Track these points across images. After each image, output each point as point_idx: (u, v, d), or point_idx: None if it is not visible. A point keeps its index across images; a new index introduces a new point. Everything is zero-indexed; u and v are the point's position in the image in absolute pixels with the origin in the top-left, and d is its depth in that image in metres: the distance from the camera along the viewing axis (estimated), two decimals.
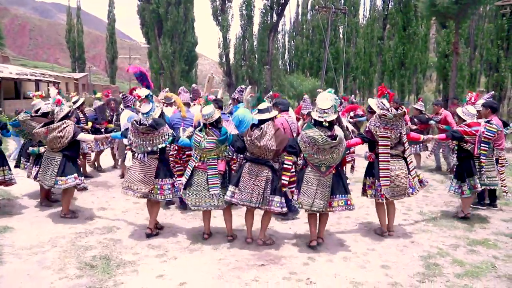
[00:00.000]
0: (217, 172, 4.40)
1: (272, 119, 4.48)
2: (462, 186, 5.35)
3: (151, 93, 4.89)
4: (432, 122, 8.59)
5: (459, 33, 18.43)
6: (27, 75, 23.84)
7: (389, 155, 4.60)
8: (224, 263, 4.05)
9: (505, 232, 5.04)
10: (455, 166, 5.71)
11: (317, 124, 4.25)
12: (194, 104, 6.74)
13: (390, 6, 37.32)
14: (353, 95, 9.19)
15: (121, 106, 7.39)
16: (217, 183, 4.37)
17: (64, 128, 5.12)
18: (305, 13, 43.24)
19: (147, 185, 4.53)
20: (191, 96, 7.15)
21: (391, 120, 4.55)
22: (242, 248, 4.48)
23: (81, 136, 5.36)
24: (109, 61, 48.23)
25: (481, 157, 5.21)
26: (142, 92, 4.75)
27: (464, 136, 5.24)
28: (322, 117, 4.19)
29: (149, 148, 4.54)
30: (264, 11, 28.15)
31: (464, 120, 5.42)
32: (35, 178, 5.64)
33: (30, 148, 5.65)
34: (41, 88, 25.82)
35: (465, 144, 5.31)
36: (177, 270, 3.90)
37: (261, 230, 4.54)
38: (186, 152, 5.40)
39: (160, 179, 4.63)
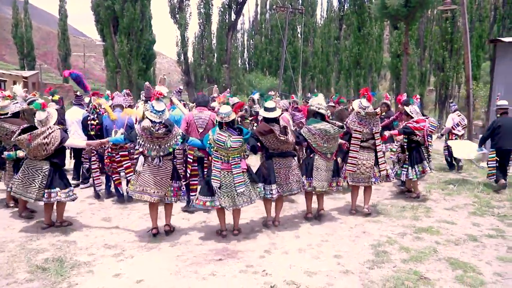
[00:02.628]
0: (241, 171, 4.53)
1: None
2: (411, 171, 6.29)
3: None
4: None
5: (409, 34, 19.36)
6: None
7: (359, 146, 5.41)
8: (181, 259, 4.08)
9: (447, 220, 5.43)
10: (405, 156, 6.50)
11: (322, 118, 5.10)
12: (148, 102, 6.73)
13: (345, 7, 38.54)
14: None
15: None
16: (243, 181, 4.52)
17: (50, 134, 4.63)
18: (264, 13, 43.64)
19: (163, 188, 4.52)
20: (144, 93, 7.19)
21: (364, 117, 5.38)
22: (200, 244, 4.52)
23: (70, 142, 4.94)
24: (61, 59, 46.16)
25: (429, 147, 6.48)
26: (163, 89, 4.73)
27: (415, 130, 6.20)
28: (326, 111, 5.13)
29: (165, 152, 4.50)
30: (222, 9, 28.18)
31: (412, 117, 6.38)
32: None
33: (5, 153, 5.16)
34: None
35: (414, 137, 6.25)
36: (134, 268, 3.88)
37: (278, 214, 5.15)
38: (120, 153, 5.69)
39: (174, 181, 4.63)
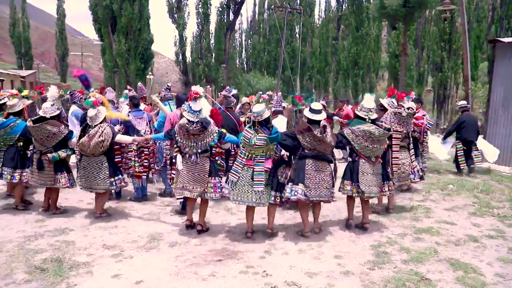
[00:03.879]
0: (263, 170, 4.51)
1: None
2: None
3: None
4: (335, 117, 9.80)
5: (408, 35, 19.43)
6: None
7: (399, 146, 5.48)
8: (181, 260, 4.05)
9: (447, 220, 5.43)
10: None
11: (362, 120, 4.88)
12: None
13: (344, 7, 38.57)
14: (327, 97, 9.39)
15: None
16: (262, 181, 4.48)
17: (103, 131, 4.99)
18: (262, 13, 43.61)
19: (202, 184, 4.63)
20: (137, 93, 7.23)
21: (404, 118, 5.51)
22: (199, 244, 4.50)
23: (119, 137, 5.29)
24: (59, 58, 45.93)
25: (424, 143, 6.82)
26: (199, 89, 4.78)
27: (414, 127, 6.21)
28: (367, 115, 4.86)
29: (202, 148, 4.60)
30: (220, 9, 28.11)
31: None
32: (70, 185, 5.36)
33: (50, 155, 5.11)
34: None
35: (413, 133, 6.23)
36: (133, 269, 3.85)
37: (316, 219, 4.94)
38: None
39: (212, 177, 4.70)
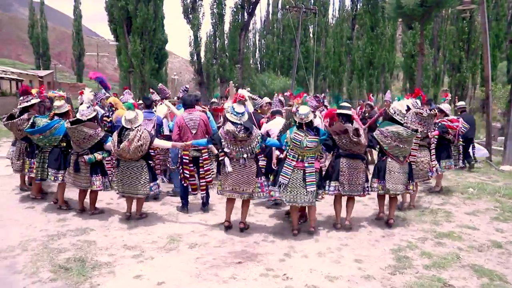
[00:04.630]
0: (314, 170, 4.66)
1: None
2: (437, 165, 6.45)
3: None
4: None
5: (424, 34, 19.14)
6: None
7: (418, 145, 5.60)
8: (201, 262, 4.07)
9: (468, 225, 5.33)
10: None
11: (395, 122, 5.12)
12: (161, 104, 6.88)
13: (358, 7, 38.23)
14: (323, 94, 9.32)
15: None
16: (314, 181, 4.64)
17: (141, 135, 4.93)
18: (276, 12, 43.49)
19: (251, 185, 4.73)
20: (159, 95, 7.32)
21: (425, 118, 5.74)
22: (219, 246, 4.52)
23: (157, 142, 5.22)
24: (75, 58, 46.80)
25: (459, 146, 6.88)
26: (245, 92, 4.92)
27: (448, 129, 6.51)
28: (402, 120, 5.12)
29: (249, 153, 4.71)
30: (235, 10, 28.15)
31: (447, 115, 6.77)
32: (104, 188, 5.36)
33: (86, 157, 5.13)
34: (2, 86, 24.68)
35: (447, 135, 6.51)
36: (154, 270, 3.89)
37: (349, 214, 5.17)
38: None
39: (259, 178, 4.83)
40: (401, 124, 5.07)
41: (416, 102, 6.03)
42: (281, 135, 4.98)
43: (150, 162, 5.31)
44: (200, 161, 5.55)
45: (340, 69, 39.99)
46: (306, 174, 4.61)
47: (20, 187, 6.60)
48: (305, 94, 5.28)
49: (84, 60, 47.81)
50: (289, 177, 4.61)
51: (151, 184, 5.15)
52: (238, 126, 4.60)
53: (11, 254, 4.17)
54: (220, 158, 4.81)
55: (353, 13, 40.61)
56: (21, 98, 5.91)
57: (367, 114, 9.08)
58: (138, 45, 25.54)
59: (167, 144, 5.43)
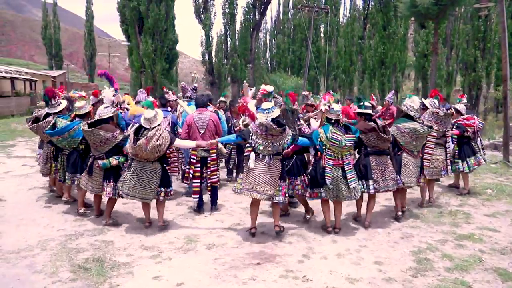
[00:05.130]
0: (352, 167, 4.77)
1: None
2: (462, 164, 6.62)
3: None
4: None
5: (438, 33, 18.85)
6: (1, 72, 23.08)
7: (434, 143, 5.84)
8: (220, 263, 4.05)
9: (489, 227, 5.22)
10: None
11: (411, 118, 5.37)
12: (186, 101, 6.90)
13: (370, 5, 37.89)
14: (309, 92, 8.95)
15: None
16: (354, 177, 4.76)
17: (161, 135, 4.62)
18: (286, 12, 43.38)
19: (272, 187, 4.55)
20: (180, 93, 7.36)
21: (442, 117, 5.87)
22: (236, 247, 4.49)
23: (178, 142, 4.99)
24: (87, 58, 47.23)
25: (481, 141, 6.91)
26: (269, 87, 4.89)
27: (467, 127, 6.58)
28: (416, 115, 5.40)
29: (276, 150, 4.59)
30: (246, 9, 28.07)
31: (462, 114, 6.78)
32: (113, 195, 4.96)
33: (101, 162, 4.88)
34: (16, 86, 25.05)
35: (465, 133, 6.59)
36: (173, 270, 3.88)
37: (369, 213, 5.27)
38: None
39: (282, 181, 4.67)
40: (415, 120, 5.30)
41: (434, 102, 6.18)
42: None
43: (165, 166, 5.01)
44: (208, 161, 5.54)
45: (351, 68, 39.69)
46: (346, 172, 4.70)
47: (50, 189, 6.57)
48: (332, 92, 5.44)
49: (95, 61, 48.25)
50: (330, 176, 4.66)
51: (158, 190, 4.79)
52: (271, 123, 4.47)
53: (30, 254, 4.21)
54: (245, 154, 4.69)
55: (364, 12, 40.24)
56: (52, 102, 5.71)
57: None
58: (149, 45, 25.64)
59: (190, 143, 5.15)
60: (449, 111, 6.16)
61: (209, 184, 5.67)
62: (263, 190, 4.53)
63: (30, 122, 5.89)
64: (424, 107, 6.14)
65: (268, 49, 46.80)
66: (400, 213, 5.53)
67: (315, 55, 33.30)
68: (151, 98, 5.21)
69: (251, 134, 4.59)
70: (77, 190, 5.54)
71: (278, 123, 4.53)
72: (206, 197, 5.93)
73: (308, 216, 5.36)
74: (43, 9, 46.32)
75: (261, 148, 4.51)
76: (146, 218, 5.04)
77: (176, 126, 6.51)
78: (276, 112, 4.59)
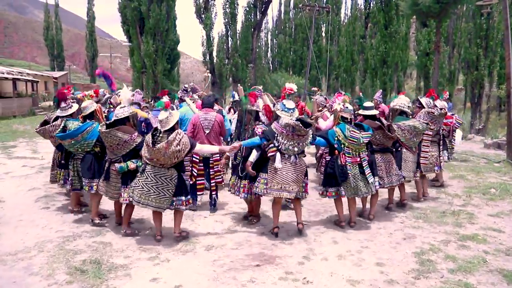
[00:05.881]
0: (367, 163, 4.90)
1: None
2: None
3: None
4: None
5: (440, 32, 18.74)
6: (3, 73, 23.09)
7: (430, 141, 6.17)
8: (218, 264, 3.99)
9: (493, 227, 5.13)
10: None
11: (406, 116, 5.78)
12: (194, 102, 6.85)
13: (371, 4, 37.77)
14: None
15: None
16: (371, 172, 4.91)
17: (180, 140, 4.28)
18: (288, 12, 43.31)
19: (298, 185, 4.62)
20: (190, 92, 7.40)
21: (436, 117, 6.04)
22: (236, 248, 4.43)
23: (200, 147, 4.62)
24: (89, 59, 47.24)
25: (452, 141, 7.32)
26: (293, 86, 4.88)
27: (443, 126, 6.74)
28: (408, 111, 5.84)
29: (301, 149, 4.64)
30: (247, 9, 28.04)
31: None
32: (130, 201, 4.53)
33: (117, 165, 4.54)
34: (18, 87, 25.07)
35: (442, 131, 6.74)
36: (171, 272, 3.82)
37: (373, 207, 5.42)
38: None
39: (306, 177, 4.79)
40: (411, 116, 5.74)
41: (429, 101, 6.42)
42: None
43: (182, 173, 4.58)
44: (211, 161, 5.51)
45: (352, 68, 39.57)
46: (365, 167, 4.85)
47: (72, 209, 5.63)
48: (345, 92, 5.60)
49: (97, 61, 48.27)
50: (351, 173, 4.78)
51: (174, 199, 4.43)
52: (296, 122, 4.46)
53: (27, 255, 4.15)
54: (270, 154, 4.57)
55: (366, 11, 40.15)
56: (63, 104, 5.34)
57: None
58: (150, 45, 25.62)
59: (213, 148, 4.85)
60: (442, 111, 6.34)
61: (213, 184, 5.60)
62: (292, 189, 4.57)
63: (39, 125, 5.60)
64: (420, 106, 6.39)
65: (269, 49, 46.80)
66: (392, 205, 5.85)
67: (316, 55, 33.25)
68: (165, 99, 4.84)
69: (276, 135, 4.49)
70: (91, 198, 5.12)
71: (303, 122, 4.56)
72: (206, 198, 5.87)
73: (254, 220, 5.21)
74: (45, 11, 46.41)
75: (289, 148, 4.50)
76: (157, 230, 4.60)
77: (180, 126, 6.48)
78: (297, 112, 4.64)
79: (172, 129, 4.37)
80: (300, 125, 4.46)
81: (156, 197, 4.33)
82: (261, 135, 4.62)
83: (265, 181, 4.58)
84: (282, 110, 4.58)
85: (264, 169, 4.64)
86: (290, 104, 4.63)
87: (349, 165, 4.80)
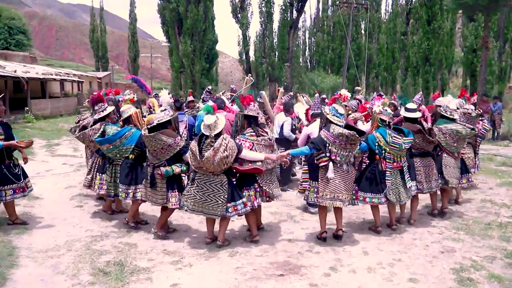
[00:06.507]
0: (407, 168, 4.82)
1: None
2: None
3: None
4: None
5: (488, 26, 17.58)
6: (52, 74, 24.32)
7: (466, 142, 5.85)
8: (241, 272, 3.87)
9: None
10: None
11: (450, 120, 5.37)
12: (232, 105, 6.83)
13: (413, 0, 36.31)
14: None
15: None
16: (410, 177, 4.85)
17: (227, 145, 4.12)
18: (326, 9, 42.55)
19: (349, 193, 4.53)
20: (227, 94, 7.54)
21: (473, 118, 5.76)
22: (260, 255, 4.29)
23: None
24: (131, 60, 48.83)
25: (477, 148, 6.66)
26: (346, 92, 5.00)
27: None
28: (453, 115, 5.39)
29: (352, 157, 4.54)
30: (284, 7, 27.79)
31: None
32: (180, 206, 4.49)
33: (163, 169, 4.40)
34: (65, 87, 26.34)
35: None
36: (192, 278, 3.75)
37: (414, 212, 5.31)
38: None
39: (356, 184, 4.70)
40: (454, 121, 5.35)
41: (462, 102, 6.19)
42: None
43: (232, 178, 4.45)
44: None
45: (393, 66, 38.23)
46: (404, 173, 4.75)
47: (112, 210, 5.67)
48: (383, 95, 5.40)
49: (139, 62, 49.81)
50: (390, 179, 4.67)
51: (228, 205, 4.28)
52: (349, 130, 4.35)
53: (56, 254, 4.25)
54: (322, 164, 4.38)
55: (407, 7, 38.65)
56: (96, 107, 5.36)
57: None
58: (188, 45, 26.07)
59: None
60: (477, 111, 6.07)
61: None
62: (344, 198, 4.46)
63: (77, 130, 5.55)
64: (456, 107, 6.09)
65: (307, 48, 46.18)
66: (435, 211, 5.58)
67: (355, 53, 32.42)
68: (211, 103, 4.70)
69: (327, 145, 4.32)
70: (132, 203, 5.03)
71: (356, 130, 4.41)
72: None
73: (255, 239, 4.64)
74: (91, 14, 48.52)
75: (343, 159, 4.37)
76: (208, 233, 4.54)
77: (193, 128, 6.41)
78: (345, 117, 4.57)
79: (219, 134, 4.23)
80: (356, 135, 4.28)
81: (208, 204, 4.24)
82: (311, 144, 4.44)
83: (316, 190, 4.47)
84: (333, 115, 4.42)
85: (312, 176, 4.52)
86: (341, 109, 4.53)
87: (390, 171, 4.67)
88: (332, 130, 4.32)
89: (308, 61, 44.90)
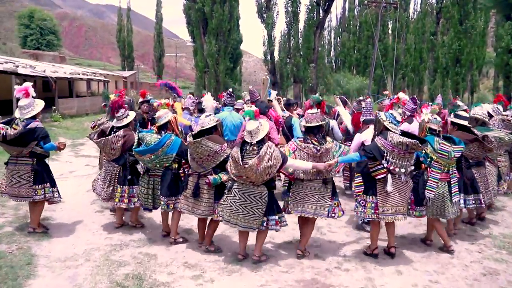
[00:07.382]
0: (457, 180, 4.44)
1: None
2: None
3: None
4: None
5: None
6: (79, 74, 24.80)
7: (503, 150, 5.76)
8: None
9: None
10: None
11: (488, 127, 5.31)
12: (251, 106, 6.59)
13: None
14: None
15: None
16: (457, 191, 4.46)
17: (272, 154, 3.85)
18: (352, 9, 41.82)
19: (407, 204, 4.30)
20: (248, 98, 7.25)
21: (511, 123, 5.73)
22: (286, 271, 4.04)
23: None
24: (156, 59, 49.48)
25: None
26: (403, 96, 4.86)
27: None
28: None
29: (411, 166, 4.20)
30: (310, 7, 27.38)
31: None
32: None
33: (211, 177, 4.15)
34: (92, 86, 26.84)
35: None
36: None
37: (456, 223, 5.14)
38: None
39: (411, 194, 4.41)
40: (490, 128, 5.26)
41: (497, 108, 6.04)
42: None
43: (272, 191, 4.14)
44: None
45: (421, 67, 37.19)
46: (452, 185, 4.36)
47: (111, 209, 5.63)
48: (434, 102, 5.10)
49: (163, 61, 50.39)
50: (434, 190, 4.28)
51: (265, 219, 4.03)
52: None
53: (74, 264, 4.12)
54: (380, 177, 4.10)
55: (438, 6, 37.48)
56: (117, 114, 4.94)
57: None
58: (213, 45, 26.05)
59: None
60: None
61: None
62: (404, 210, 4.22)
63: (96, 135, 5.01)
64: (489, 115, 5.90)
65: (332, 48, 45.56)
66: (474, 220, 5.45)
67: (382, 53, 31.66)
68: (253, 108, 4.39)
69: (385, 155, 4.03)
70: (173, 215, 4.69)
71: (417, 137, 4.05)
72: None
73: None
74: (118, 14, 49.46)
75: (403, 170, 4.07)
76: (240, 249, 4.26)
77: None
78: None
79: (262, 141, 3.97)
80: (418, 143, 3.92)
81: (244, 216, 3.97)
82: (363, 152, 4.14)
83: (373, 205, 4.16)
84: (391, 122, 4.13)
85: (368, 190, 4.19)
86: (398, 116, 4.32)
87: (436, 182, 4.29)
88: (390, 139, 4.00)
89: (333, 61, 44.26)
